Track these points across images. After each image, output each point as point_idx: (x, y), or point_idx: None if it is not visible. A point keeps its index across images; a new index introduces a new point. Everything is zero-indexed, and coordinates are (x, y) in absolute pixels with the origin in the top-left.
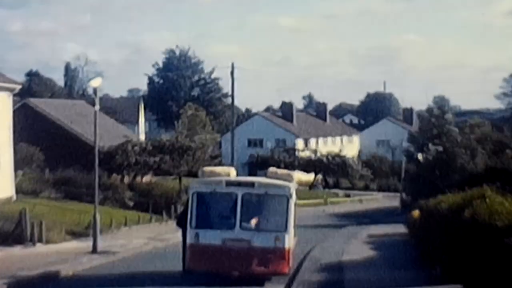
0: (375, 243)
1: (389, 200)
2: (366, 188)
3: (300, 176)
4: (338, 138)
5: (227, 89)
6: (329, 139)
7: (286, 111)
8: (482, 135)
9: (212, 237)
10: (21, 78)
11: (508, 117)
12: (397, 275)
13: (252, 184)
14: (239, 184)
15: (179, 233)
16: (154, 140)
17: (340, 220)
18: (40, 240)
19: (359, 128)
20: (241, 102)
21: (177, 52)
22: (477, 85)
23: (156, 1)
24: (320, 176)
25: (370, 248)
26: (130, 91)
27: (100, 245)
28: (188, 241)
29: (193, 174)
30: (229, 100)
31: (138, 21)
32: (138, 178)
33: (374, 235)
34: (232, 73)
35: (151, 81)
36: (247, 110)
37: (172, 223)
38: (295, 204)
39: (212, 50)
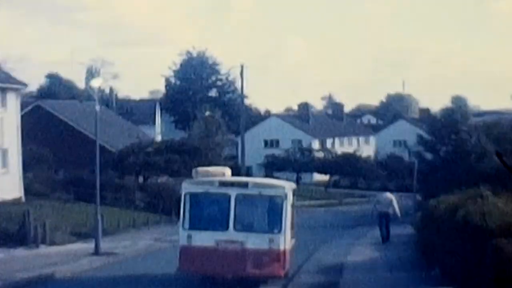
0: (381, 244)
1: (404, 201)
2: (382, 188)
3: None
4: (354, 139)
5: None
6: (345, 139)
7: (302, 111)
8: (499, 134)
9: (205, 239)
10: (42, 80)
11: None
12: (395, 277)
13: (246, 185)
14: (232, 184)
15: None
16: (166, 141)
17: (352, 220)
18: (43, 242)
19: (378, 129)
20: (261, 103)
21: (194, 53)
22: (496, 85)
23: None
24: (333, 177)
25: (375, 249)
26: (151, 92)
27: (105, 246)
28: (180, 242)
29: None
30: (246, 101)
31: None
32: (151, 179)
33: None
34: (241, 74)
35: (168, 82)
36: (266, 111)
37: None
38: (293, 205)
39: (229, 50)
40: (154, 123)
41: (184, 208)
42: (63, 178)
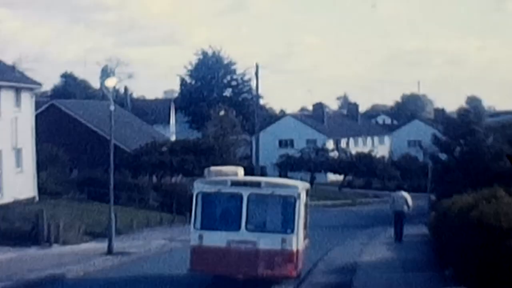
0: (395, 243)
1: (418, 201)
2: (397, 188)
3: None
4: (369, 139)
5: (259, 90)
6: (360, 139)
7: (317, 111)
8: None
9: (216, 239)
10: (56, 79)
11: None
12: (408, 276)
13: (258, 184)
14: (244, 184)
15: None
16: (180, 141)
17: (366, 220)
18: (57, 241)
19: (393, 129)
20: (275, 103)
21: (210, 53)
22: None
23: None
24: (347, 177)
25: (389, 249)
26: (165, 92)
27: (118, 246)
28: (192, 242)
29: None
30: (261, 101)
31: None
32: (165, 179)
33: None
34: (256, 73)
35: (183, 82)
36: (281, 111)
37: None
38: (306, 205)
39: (244, 50)
40: (168, 122)
41: (196, 208)
42: (77, 177)
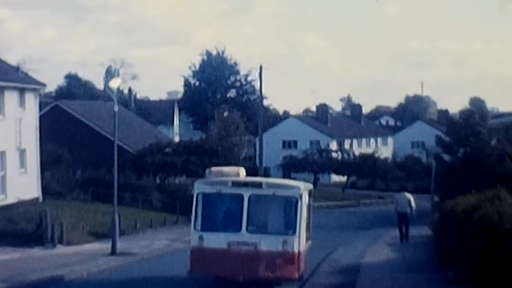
0: (398, 244)
1: (422, 202)
2: (401, 189)
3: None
4: (372, 140)
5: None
6: (364, 140)
7: (321, 112)
8: None
9: (217, 240)
10: (61, 80)
11: None
12: (411, 277)
13: (259, 185)
14: (245, 184)
15: None
16: (184, 142)
17: (370, 221)
18: (60, 241)
19: (396, 130)
20: (279, 104)
21: (214, 53)
22: None
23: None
24: (351, 178)
25: (392, 250)
26: (169, 93)
27: (121, 247)
28: (192, 244)
29: None
30: (265, 102)
31: (185, 20)
32: (168, 180)
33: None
34: (260, 75)
35: (187, 82)
36: (285, 112)
37: None
38: (309, 206)
39: (248, 51)
40: (172, 123)
41: (196, 209)
42: (81, 178)
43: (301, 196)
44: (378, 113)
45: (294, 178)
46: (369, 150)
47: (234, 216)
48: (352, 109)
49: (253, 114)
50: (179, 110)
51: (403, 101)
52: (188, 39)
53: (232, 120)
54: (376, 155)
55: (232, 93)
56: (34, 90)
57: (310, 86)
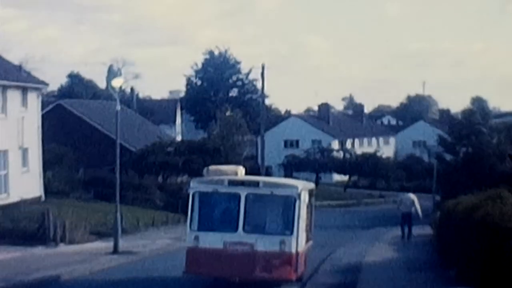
0: (400, 244)
1: (423, 201)
2: (402, 189)
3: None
4: (374, 139)
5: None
6: (365, 140)
7: (322, 112)
8: None
9: (213, 240)
10: (63, 79)
11: None
12: (413, 277)
13: (256, 184)
14: (242, 183)
15: None
16: (186, 141)
17: (371, 220)
18: (63, 240)
19: (398, 129)
20: (281, 103)
21: (216, 53)
22: None
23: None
24: (352, 178)
25: (393, 249)
26: (171, 92)
27: (124, 245)
28: (187, 244)
29: None
30: (267, 101)
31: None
32: (170, 179)
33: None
34: (262, 74)
35: (189, 82)
36: (287, 112)
37: None
38: (309, 206)
39: (250, 50)
40: (174, 123)
41: (192, 208)
42: (83, 177)
43: (299, 195)
44: (379, 112)
45: (296, 178)
46: (370, 150)
47: (231, 215)
48: (354, 108)
49: (255, 113)
50: (181, 109)
51: (405, 101)
52: (190, 38)
53: (234, 119)
54: (378, 154)
55: (234, 92)
56: (36, 89)
57: (312, 86)
